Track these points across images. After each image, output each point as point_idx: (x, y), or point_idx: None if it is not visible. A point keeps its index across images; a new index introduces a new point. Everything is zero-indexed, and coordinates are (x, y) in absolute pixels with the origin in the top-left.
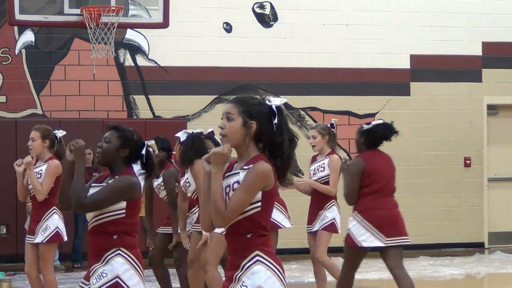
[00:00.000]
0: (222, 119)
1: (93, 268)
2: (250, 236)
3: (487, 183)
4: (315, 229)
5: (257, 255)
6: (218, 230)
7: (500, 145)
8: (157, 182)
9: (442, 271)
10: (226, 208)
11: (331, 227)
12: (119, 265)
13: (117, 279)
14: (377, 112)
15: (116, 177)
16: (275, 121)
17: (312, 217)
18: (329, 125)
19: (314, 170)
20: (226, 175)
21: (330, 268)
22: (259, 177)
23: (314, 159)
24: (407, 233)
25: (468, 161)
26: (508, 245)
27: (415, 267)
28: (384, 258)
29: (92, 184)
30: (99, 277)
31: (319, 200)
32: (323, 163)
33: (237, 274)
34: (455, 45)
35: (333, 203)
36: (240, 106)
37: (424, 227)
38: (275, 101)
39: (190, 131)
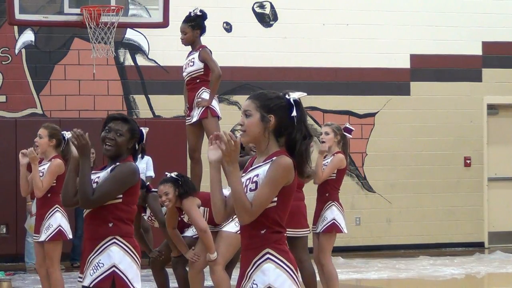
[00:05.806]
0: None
1: (89, 259)
2: (264, 232)
3: (487, 183)
4: (317, 230)
5: (268, 252)
6: (232, 230)
7: (500, 145)
8: (147, 215)
9: (442, 271)
10: (252, 204)
11: (332, 228)
12: (115, 254)
13: (114, 268)
14: (377, 112)
15: (118, 164)
16: (294, 113)
17: (315, 218)
18: (343, 128)
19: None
20: (248, 170)
21: (327, 274)
22: (282, 171)
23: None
24: (307, 225)
25: (468, 161)
26: (508, 245)
27: (415, 266)
28: None
29: (92, 172)
30: (95, 267)
31: (320, 201)
32: (327, 162)
33: (249, 271)
34: (455, 45)
35: (332, 203)
36: (257, 101)
37: (424, 227)
38: (294, 95)
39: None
